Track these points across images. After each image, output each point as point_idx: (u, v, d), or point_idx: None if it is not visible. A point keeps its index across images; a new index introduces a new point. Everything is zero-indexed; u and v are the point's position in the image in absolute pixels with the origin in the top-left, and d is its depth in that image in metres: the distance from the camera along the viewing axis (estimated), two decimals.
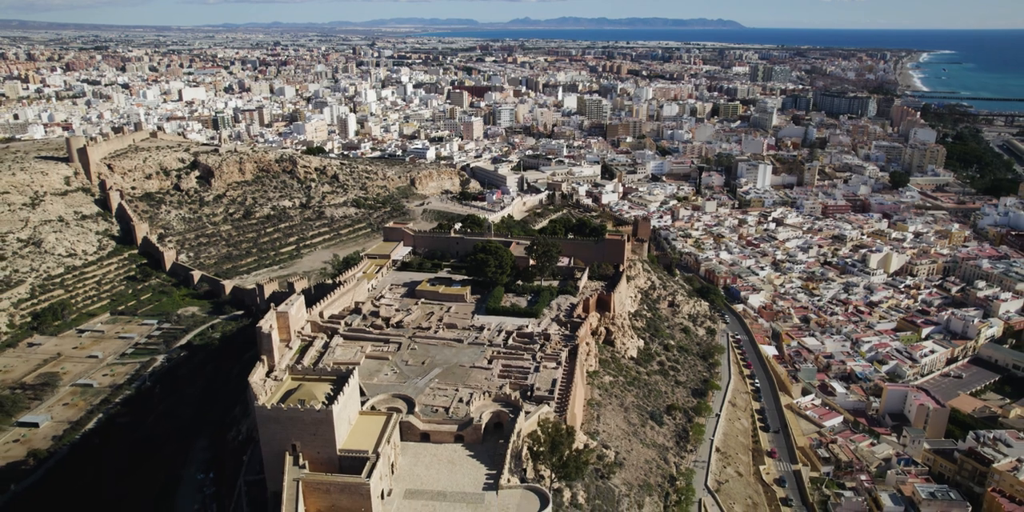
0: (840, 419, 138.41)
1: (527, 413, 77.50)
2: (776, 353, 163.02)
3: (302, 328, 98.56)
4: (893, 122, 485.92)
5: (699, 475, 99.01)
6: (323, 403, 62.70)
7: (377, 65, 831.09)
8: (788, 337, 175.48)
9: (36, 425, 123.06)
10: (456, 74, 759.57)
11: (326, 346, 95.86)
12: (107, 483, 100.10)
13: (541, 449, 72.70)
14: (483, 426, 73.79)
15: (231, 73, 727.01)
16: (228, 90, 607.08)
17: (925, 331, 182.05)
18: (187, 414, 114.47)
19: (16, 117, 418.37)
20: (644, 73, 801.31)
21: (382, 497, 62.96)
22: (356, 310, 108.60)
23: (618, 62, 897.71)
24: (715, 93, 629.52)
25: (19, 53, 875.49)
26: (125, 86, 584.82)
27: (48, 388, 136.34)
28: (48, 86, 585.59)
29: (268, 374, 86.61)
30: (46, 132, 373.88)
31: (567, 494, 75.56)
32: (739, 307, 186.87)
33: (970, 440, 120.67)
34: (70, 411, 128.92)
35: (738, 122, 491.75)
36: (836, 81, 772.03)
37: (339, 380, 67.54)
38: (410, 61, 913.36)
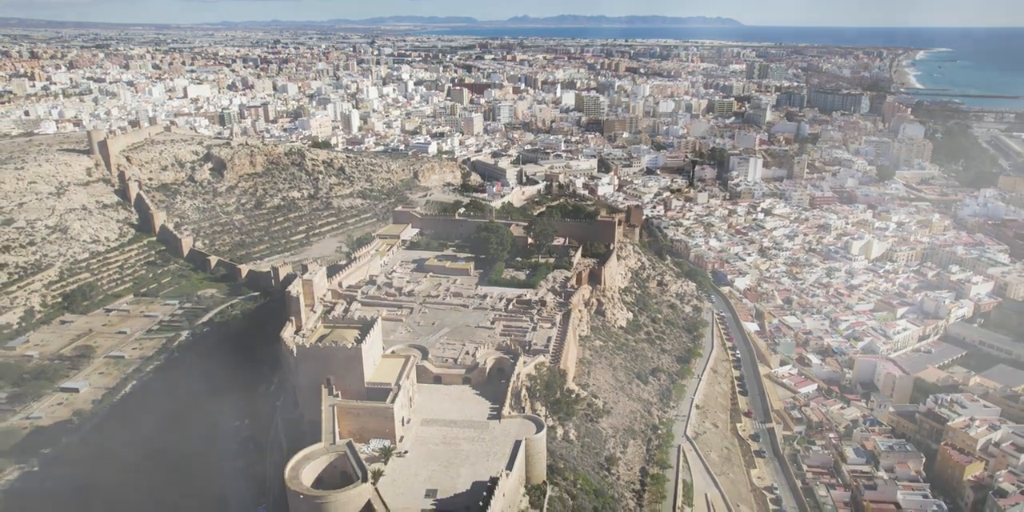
0: (814, 387, 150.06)
1: (525, 362, 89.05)
2: (758, 329, 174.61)
3: (324, 295, 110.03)
4: (884, 118, 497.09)
5: (679, 426, 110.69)
6: (353, 343, 74.17)
7: (378, 63, 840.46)
8: (770, 316, 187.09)
9: (76, 390, 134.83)
10: (456, 72, 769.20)
11: (346, 311, 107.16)
12: (148, 436, 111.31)
13: (538, 387, 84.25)
14: (487, 370, 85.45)
15: (233, 71, 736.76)
16: (231, 87, 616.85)
17: (900, 311, 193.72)
18: (216, 378, 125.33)
19: (27, 114, 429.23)
20: (642, 71, 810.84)
21: (402, 423, 74.43)
22: (371, 281, 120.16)
23: (616, 60, 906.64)
24: (711, 90, 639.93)
25: (22, 51, 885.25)
26: (130, 84, 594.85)
27: (84, 359, 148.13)
28: (54, 84, 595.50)
29: (296, 333, 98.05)
30: (57, 128, 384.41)
31: (560, 431, 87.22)
32: (725, 289, 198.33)
33: (929, 402, 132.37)
34: (106, 379, 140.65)
35: (733, 118, 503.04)
36: (831, 78, 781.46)
37: (365, 327, 79.17)
38: (410, 59, 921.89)
